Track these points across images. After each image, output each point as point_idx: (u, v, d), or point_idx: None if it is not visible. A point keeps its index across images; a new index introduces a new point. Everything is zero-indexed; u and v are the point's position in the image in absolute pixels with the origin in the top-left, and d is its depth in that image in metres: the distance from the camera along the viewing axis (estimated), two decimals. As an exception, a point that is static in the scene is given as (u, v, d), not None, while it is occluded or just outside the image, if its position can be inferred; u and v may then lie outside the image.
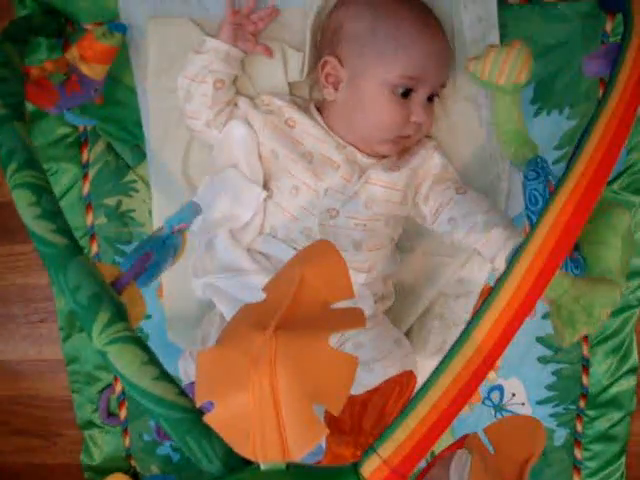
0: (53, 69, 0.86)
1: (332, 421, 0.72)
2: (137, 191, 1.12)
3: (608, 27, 0.99)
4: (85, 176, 1.11)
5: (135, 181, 1.11)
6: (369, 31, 0.91)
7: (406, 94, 0.91)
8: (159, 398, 0.58)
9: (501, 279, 0.55)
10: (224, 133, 0.97)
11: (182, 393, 0.59)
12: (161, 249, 0.73)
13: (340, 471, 0.53)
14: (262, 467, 0.53)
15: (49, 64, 0.85)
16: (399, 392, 0.80)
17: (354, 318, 0.55)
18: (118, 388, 1.20)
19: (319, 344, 0.53)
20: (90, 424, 1.23)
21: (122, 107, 1.07)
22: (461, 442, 0.78)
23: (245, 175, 0.96)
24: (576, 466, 1.18)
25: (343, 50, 0.93)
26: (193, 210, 0.80)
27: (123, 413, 1.22)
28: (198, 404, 0.55)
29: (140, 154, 1.09)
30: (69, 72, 0.91)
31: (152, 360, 0.60)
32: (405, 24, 0.91)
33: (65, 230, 0.65)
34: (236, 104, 0.99)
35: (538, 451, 0.62)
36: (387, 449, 0.52)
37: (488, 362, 0.54)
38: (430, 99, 0.94)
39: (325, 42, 0.97)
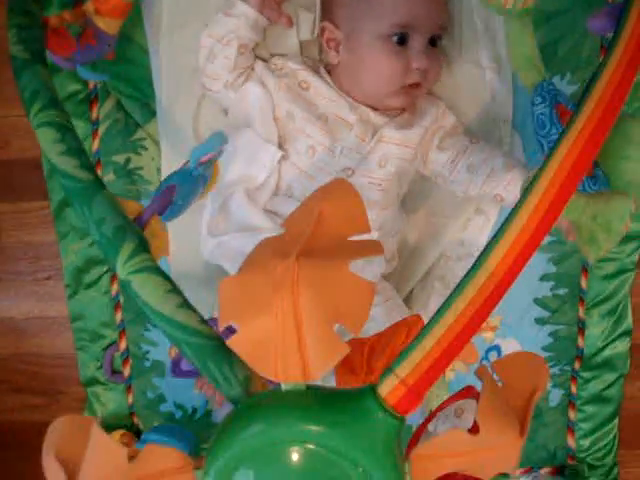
0: (71, 19, 0.87)
1: (342, 361, 0.74)
2: (146, 149, 1.13)
3: (610, -5, 1.01)
4: (94, 133, 1.12)
5: (144, 139, 1.13)
6: None
7: (401, 42, 0.93)
8: (183, 324, 0.60)
9: (517, 204, 0.57)
10: (240, 94, 0.99)
11: (204, 321, 0.61)
12: (188, 181, 0.75)
13: (359, 391, 0.55)
14: (283, 387, 0.55)
15: (67, 14, 0.86)
16: (407, 333, 0.82)
17: (371, 247, 0.58)
18: (122, 346, 1.22)
19: (339, 269, 0.55)
20: (94, 381, 1.24)
21: (133, 65, 1.08)
22: (464, 393, 0.81)
23: (259, 135, 0.97)
24: (570, 427, 1.20)
25: (336, 13, 0.98)
26: (218, 140, 0.81)
27: (127, 371, 1.23)
28: (221, 327, 0.57)
29: (149, 112, 1.11)
30: (85, 24, 0.92)
31: (175, 289, 0.62)
32: None
33: (89, 166, 0.66)
34: (253, 68, 1.00)
35: (543, 386, 0.65)
36: (404, 369, 0.54)
37: (502, 287, 0.56)
38: (433, 44, 0.96)
39: (324, 8, 1.00)
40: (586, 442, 1.19)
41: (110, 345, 1.22)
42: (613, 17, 0.76)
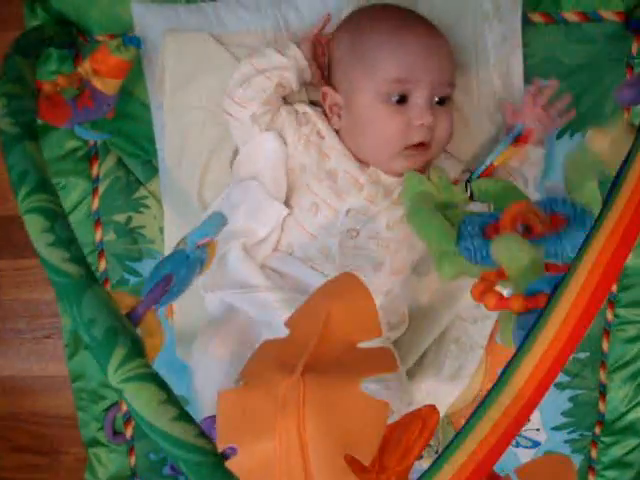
0: (66, 84, 0.83)
1: (352, 458, 0.70)
2: (148, 207, 1.09)
3: (634, 48, 0.97)
4: (95, 191, 1.09)
5: (146, 197, 1.09)
6: (349, 52, 0.91)
7: (401, 100, 0.88)
8: (177, 439, 0.55)
9: (541, 318, 0.53)
10: (255, 143, 0.95)
11: (202, 434, 0.56)
12: (184, 265, 0.70)
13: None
14: (287, 517, 0.50)
15: (62, 79, 0.83)
16: (421, 427, 0.77)
17: (385, 362, 0.53)
18: (124, 407, 1.17)
19: (349, 389, 0.51)
20: (95, 442, 1.21)
21: (134, 121, 1.05)
22: None
23: (267, 189, 0.93)
24: (590, 492, 1.15)
25: (334, 77, 0.94)
26: (218, 222, 0.76)
27: (129, 432, 1.19)
28: (220, 449, 0.53)
29: (151, 170, 1.07)
30: (82, 87, 0.89)
31: (170, 399, 0.57)
32: (381, 34, 0.89)
33: (80, 259, 0.62)
34: (279, 109, 0.96)
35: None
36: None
37: (528, 408, 0.51)
38: (441, 102, 0.90)
39: (328, 72, 0.97)
40: (607, 507, 1.14)
41: (112, 406, 1.19)
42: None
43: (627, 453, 1.12)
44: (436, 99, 0.89)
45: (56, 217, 0.64)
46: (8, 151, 0.69)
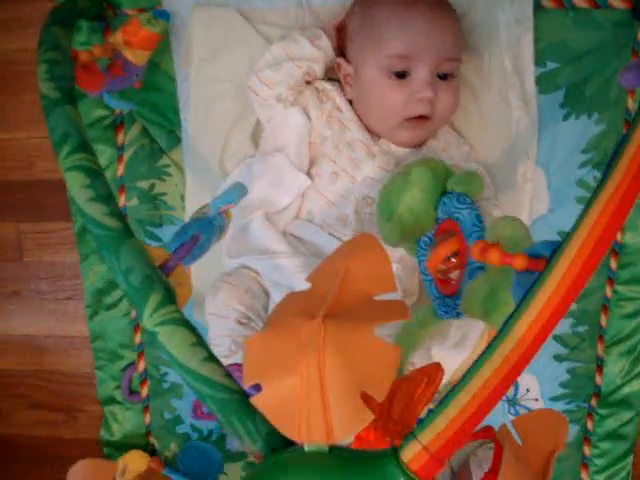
0: (101, 54, 0.88)
1: (367, 394, 0.75)
2: (170, 175, 1.14)
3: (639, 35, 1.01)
4: (120, 158, 1.13)
5: (168, 165, 1.13)
6: (359, 24, 0.96)
7: (403, 75, 0.93)
8: (207, 378, 0.60)
9: (542, 275, 0.57)
10: (281, 118, 1.00)
11: (228, 375, 0.61)
12: (208, 230, 0.76)
13: (381, 455, 0.55)
14: (306, 448, 0.56)
15: (97, 49, 0.87)
16: (427, 382, 0.82)
17: (398, 310, 0.58)
18: (141, 367, 1.23)
19: (365, 333, 0.56)
20: (111, 400, 1.26)
21: (160, 93, 1.09)
22: (482, 433, 0.81)
23: (291, 161, 0.98)
24: (584, 463, 1.20)
25: (348, 48, 0.99)
26: (239, 191, 0.81)
27: (145, 391, 1.24)
28: (246, 386, 0.58)
29: (175, 139, 1.11)
30: (114, 57, 0.93)
31: (200, 342, 0.62)
32: (388, 10, 0.93)
33: (118, 213, 0.67)
34: (302, 91, 1.01)
35: (562, 443, 0.65)
36: (427, 436, 0.54)
37: (528, 354, 0.56)
38: (444, 78, 0.94)
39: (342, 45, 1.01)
40: (600, 478, 1.19)
41: (129, 366, 1.24)
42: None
43: (621, 425, 1.16)
44: (438, 74, 0.93)
45: (96, 175, 0.69)
46: (50, 114, 0.74)
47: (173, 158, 1.13)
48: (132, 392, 1.25)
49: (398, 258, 0.99)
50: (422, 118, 0.95)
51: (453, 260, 0.81)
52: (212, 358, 0.61)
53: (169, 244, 0.76)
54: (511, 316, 0.57)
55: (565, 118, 1.05)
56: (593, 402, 1.17)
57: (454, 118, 1.04)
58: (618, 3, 0.98)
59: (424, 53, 0.91)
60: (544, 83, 1.03)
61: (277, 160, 0.98)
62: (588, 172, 1.06)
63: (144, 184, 1.14)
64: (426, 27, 0.91)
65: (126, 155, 1.13)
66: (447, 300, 0.83)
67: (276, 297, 0.98)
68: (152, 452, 1.29)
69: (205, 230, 0.78)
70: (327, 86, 1.00)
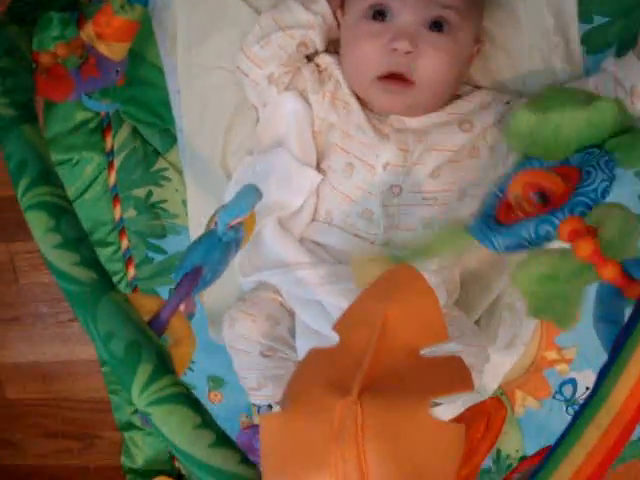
0: (66, 53, 0.74)
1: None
2: (169, 180, 1.01)
3: None
4: (110, 165, 1.00)
5: (166, 169, 1.00)
6: None
7: (380, 15, 0.76)
8: (218, 469, 0.48)
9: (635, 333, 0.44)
10: (274, 106, 0.86)
11: (245, 460, 0.49)
12: (217, 249, 0.62)
13: None
14: None
15: (61, 48, 0.73)
16: (487, 424, 0.69)
17: (456, 375, 0.44)
18: (157, 390, 1.12)
19: (416, 411, 0.43)
20: (130, 426, 1.17)
21: (147, 87, 0.96)
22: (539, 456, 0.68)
23: (295, 156, 0.84)
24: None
25: None
26: (251, 198, 0.67)
27: (164, 415, 1.14)
28: (266, 481, 0.45)
29: (170, 138, 0.98)
30: (85, 54, 0.79)
31: (206, 421, 0.49)
32: None
33: (91, 260, 0.54)
34: (299, 68, 0.86)
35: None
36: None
37: (630, 427, 0.42)
38: (436, 29, 0.77)
39: None
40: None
41: (144, 389, 1.13)
42: None
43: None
44: (428, 22, 0.76)
45: (62, 212, 0.56)
46: (4, 138, 0.61)
47: (170, 160, 1.00)
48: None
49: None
50: (399, 80, 0.78)
51: (534, 199, 0.65)
52: (223, 441, 0.49)
53: (175, 273, 0.63)
54: (603, 376, 0.43)
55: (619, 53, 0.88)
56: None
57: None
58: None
59: None
60: (591, 41, 0.87)
61: (279, 156, 0.84)
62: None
63: (140, 192, 1.01)
64: None
65: (117, 161, 1.00)
66: (492, 225, 0.67)
67: (303, 315, 0.85)
68: (179, 477, 1.20)
69: (213, 249, 0.64)
70: (328, 59, 0.85)
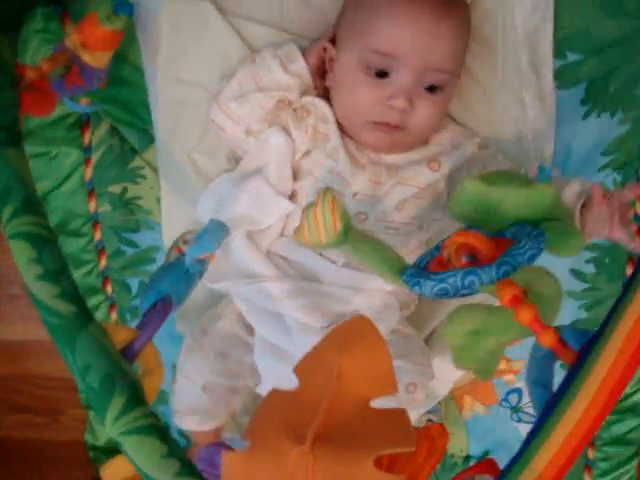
0: (51, 67, 0.75)
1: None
2: (144, 177, 1.03)
3: (673, 25, 0.88)
4: (87, 161, 1.02)
5: (142, 167, 1.02)
6: (353, 7, 0.83)
7: (382, 74, 0.80)
8: (181, 497, 0.53)
9: (565, 396, 0.49)
10: (260, 140, 0.88)
11: (206, 489, 0.54)
12: (184, 279, 0.66)
13: None
14: None
15: (46, 63, 0.74)
16: (429, 449, 0.75)
17: (400, 433, 0.49)
18: (123, 373, 1.16)
19: (361, 464, 0.48)
20: (95, 405, 1.20)
21: (128, 88, 0.96)
22: (480, 467, 0.75)
23: (272, 184, 0.87)
24: (588, 465, 1.16)
25: (336, 31, 0.86)
26: (218, 235, 0.71)
27: (129, 398, 1.18)
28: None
29: (148, 138, 1.00)
30: (69, 64, 0.80)
31: (173, 452, 0.54)
32: None
33: (71, 293, 0.57)
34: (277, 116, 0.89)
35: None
36: None
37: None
38: (431, 89, 0.82)
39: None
40: (602, 481, 1.16)
41: (111, 372, 1.16)
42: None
43: (628, 432, 1.12)
44: (425, 85, 0.81)
45: (45, 243, 0.59)
46: (-13, 162, 0.63)
47: (147, 159, 1.02)
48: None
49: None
50: (391, 126, 0.83)
51: (464, 260, 0.70)
52: (187, 471, 0.54)
53: (141, 301, 0.67)
54: (528, 442, 0.49)
55: (585, 116, 0.93)
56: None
57: (462, 119, 0.92)
58: (653, -13, 0.85)
59: (410, 57, 0.78)
60: (563, 77, 0.91)
61: (256, 184, 0.87)
62: (607, 175, 0.96)
63: (116, 188, 1.03)
64: (421, 28, 0.78)
65: (94, 157, 1.01)
66: (423, 273, 0.72)
67: (262, 329, 0.90)
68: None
69: (179, 280, 0.69)
70: (305, 99, 0.87)
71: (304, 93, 0.87)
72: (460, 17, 0.82)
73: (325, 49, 0.87)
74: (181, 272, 0.68)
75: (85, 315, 0.57)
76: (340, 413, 0.51)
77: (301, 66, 0.85)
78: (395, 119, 0.82)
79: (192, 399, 0.94)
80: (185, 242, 0.85)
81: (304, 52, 0.86)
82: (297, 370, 0.55)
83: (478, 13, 0.87)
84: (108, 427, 0.54)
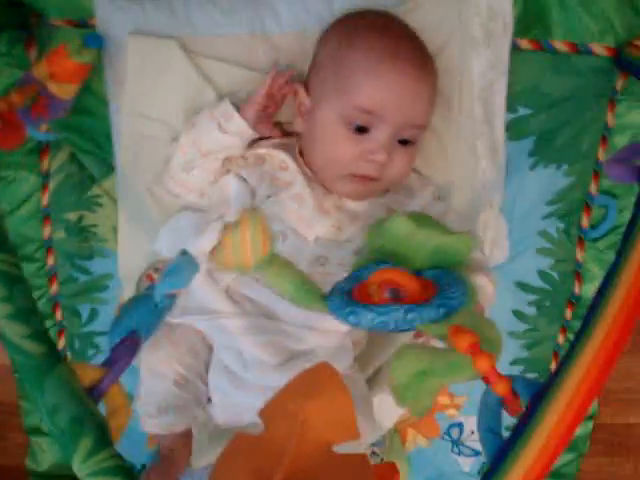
0: (21, 100, 0.75)
1: None
2: (101, 206, 1.03)
3: (618, 85, 0.95)
4: (44, 187, 1.01)
5: (100, 196, 1.02)
6: (330, 60, 0.86)
7: (362, 130, 0.84)
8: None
9: (518, 440, 0.52)
10: (216, 190, 0.90)
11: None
12: (153, 314, 0.67)
13: None
14: None
15: (17, 96, 0.74)
16: (381, 486, 0.77)
17: (362, 477, 0.52)
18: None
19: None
20: (37, 431, 1.19)
21: (91, 117, 0.97)
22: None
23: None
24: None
25: (310, 77, 0.89)
26: (189, 270, 0.72)
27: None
28: None
29: (107, 167, 1.00)
30: (36, 95, 0.80)
31: (137, 493, 0.55)
32: (370, 52, 0.83)
33: (40, 333, 0.58)
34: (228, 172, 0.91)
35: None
36: None
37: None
38: (404, 143, 0.86)
39: (309, 70, 0.91)
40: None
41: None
42: (632, 167, 0.70)
43: (563, 466, 1.17)
44: (399, 138, 0.85)
45: (15, 281, 0.59)
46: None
47: (105, 188, 1.02)
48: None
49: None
50: (368, 178, 0.87)
51: (386, 294, 0.73)
52: (151, 513, 0.55)
53: (109, 335, 0.67)
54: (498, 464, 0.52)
55: (533, 167, 0.99)
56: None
57: (418, 166, 0.96)
58: (600, 50, 0.92)
59: (390, 115, 0.82)
60: (514, 129, 0.97)
61: (215, 226, 0.87)
62: (552, 223, 1.02)
63: (72, 216, 1.03)
64: (400, 89, 0.82)
65: (52, 184, 1.01)
66: (349, 301, 0.73)
67: (221, 354, 0.90)
68: (82, 483, 1.22)
69: (148, 316, 0.69)
70: (260, 150, 0.90)
71: (249, 145, 0.90)
72: (433, 76, 0.87)
73: (297, 92, 0.89)
74: (150, 307, 0.69)
75: (54, 355, 0.57)
76: (305, 458, 0.52)
77: (238, 125, 0.87)
78: (374, 172, 0.85)
79: (162, 395, 0.90)
80: (156, 270, 0.86)
81: (240, 107, 0.88)
82: (261, 414, 0.56)
83: (439, 68, 0.90)
84: (76, 468, 0.55)
